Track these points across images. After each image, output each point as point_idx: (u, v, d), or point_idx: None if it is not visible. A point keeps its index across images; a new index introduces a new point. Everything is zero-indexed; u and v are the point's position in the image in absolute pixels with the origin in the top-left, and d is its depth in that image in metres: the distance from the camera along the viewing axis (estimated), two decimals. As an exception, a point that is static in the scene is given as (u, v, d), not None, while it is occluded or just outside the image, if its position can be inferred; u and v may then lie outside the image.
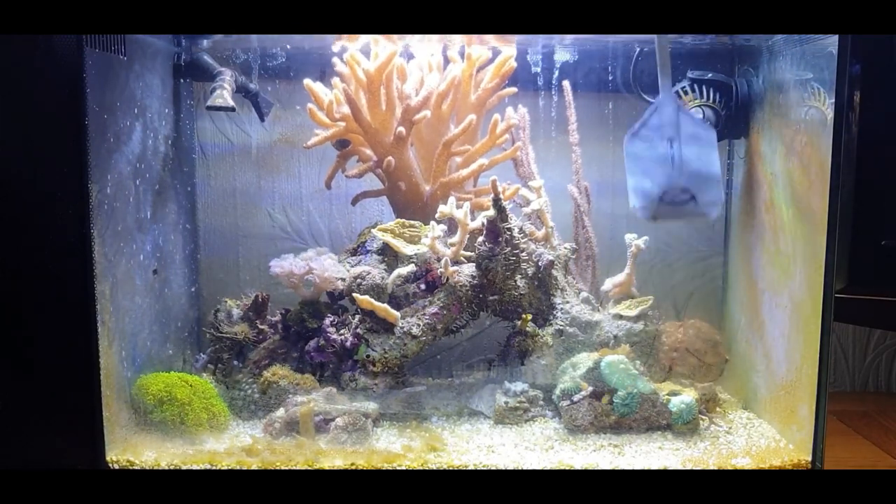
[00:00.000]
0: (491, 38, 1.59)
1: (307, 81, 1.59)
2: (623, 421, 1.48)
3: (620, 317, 1.56)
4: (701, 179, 1.26)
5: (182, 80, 1.67)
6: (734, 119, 1.61)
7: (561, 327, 1.56)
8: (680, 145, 1.28)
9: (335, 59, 1.62)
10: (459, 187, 1.67)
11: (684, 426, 1.47)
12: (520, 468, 1.32)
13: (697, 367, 1.59)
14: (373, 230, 1.61)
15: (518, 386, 1.54)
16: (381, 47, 1.56)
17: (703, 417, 1.50)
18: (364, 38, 1.57)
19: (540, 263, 1.57)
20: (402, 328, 1.52)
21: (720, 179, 1.27)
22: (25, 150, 1.21)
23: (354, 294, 1.53)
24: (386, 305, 1.53)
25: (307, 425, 1.41)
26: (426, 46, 1.62)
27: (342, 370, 1.53)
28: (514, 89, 1.67)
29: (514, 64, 1.63)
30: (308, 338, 1.58)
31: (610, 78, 1.72)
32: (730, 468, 1.33)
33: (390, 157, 1.60)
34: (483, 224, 1.54)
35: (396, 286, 1.59)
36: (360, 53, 1.57)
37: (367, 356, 1.51)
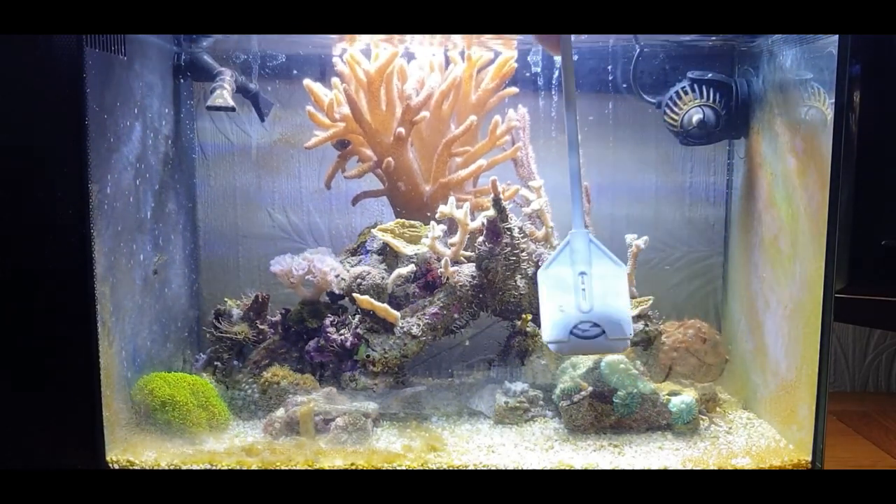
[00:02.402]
0: (492, 41, 1.59)
1: (307, 81, 1.59)
2: (623, 421, 1.48)
3: (620, 317, 1.55)
4: (611, 315, 1.29)
5: (182, 80, 1.67)
6: (734, 119, 1.62)
7: (561, 327, 1.55)
8: (591, 280, 1.31)
9: (335, 60, 1.62)
10: (459, 187, 1.67)
11: (684, 426, 1.47)
12: (520, 468, 1.32)
13: (697, 367, 1.59)
14: (373, 230, 1.61)
15: (518, 386, 1.54)
16: (381, 48, 1.56)
17: (703, 417, 1.50)
18: (365, 39, 1.57)
19: (540, 263, 1.57)
20: (402, 328, 1.52)
21: (629, 315, 1.31)
22: (25, 150, 1.21)
23: (354, 294, 1.53)
24: (386, 305, 1.53)
25: (307, 425, 1.41)
26: (427, 47, 1.62)
27: (342, 370, 1.53)
28: (514, 89, 1.67)
29: (515, 65, 1.64)
30: (308, 338, 1.58)
31: (610, 78, 1.72)
32: (730, 468, 1.33)
33: (390, 158, 1.60)
34: (483, 224, 1.54)
35: (396, 286, 1.59)
36: (361, 54, 1.58)
37: (367, 356, 1.51)
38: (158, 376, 1.47)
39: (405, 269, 1.58)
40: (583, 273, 1.32)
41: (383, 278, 1.58)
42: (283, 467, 1.31)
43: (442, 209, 1.53)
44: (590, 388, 1.48)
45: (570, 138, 1.36)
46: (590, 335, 1.29)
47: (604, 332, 1.29)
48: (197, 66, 1.63)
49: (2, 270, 1.23)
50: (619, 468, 1.32)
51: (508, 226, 1.53)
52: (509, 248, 1.54)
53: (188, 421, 1.42)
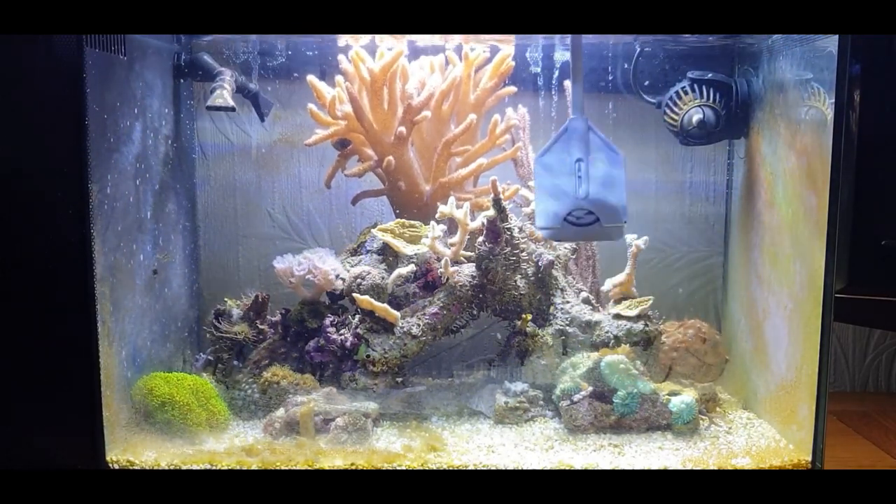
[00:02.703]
0: (489, 37, 1.59)
1: (311, 78, 1.59)
2: (623, 421, 1.48)
3: (620, 317, 1.56)
4: (606, 202, 1.28)
5: (182, 80, 1.67)
6: (734, 119, 1.62)
7: (561, 327, 1.56)
8: (587, 166, 1.29)
9: (340, 57, 1.62)
10: (459, 187, 1.67)
11: (684, 426, 1.47)
12: (520, 468, 1.32)
13: (697, 367, 1.59)
14: (373, 230, 1.61)
15: (518, 386, 1.54)
16: (385, 47, 1.56)
17: (703, 417, 1.51)
18: (368, 37, 1.57)
19: (540, 263, 1.57)
20: (402, 328, 1.52)
21: (625, 202, 1.28)
22: (26, 150, 1.21)
23: (354, 294, 1.53)
24: (386, 305, 1.53)
25: (307, 425, 1.41)
26: (427, 44, 1.62)
27: (342, 370, 1.53)
28: (513, 88, 1.67)
29: (513, 63, 1.63)
30: (308, 338, 1.58)
31: (610, 78, 1.72)
32: (730, 468, 1.33)
33: (390, 157, 1.60)
34: (483, 224, 1.54)
35: (396, 286, 1.59)
36: (365, 51, 1.57)
37: (367, 356, 1.51)
38: (158, 376, 1.47)
39: (405, 269, 1.58)
40: (580, 160, 1.29)
41: (383, 278, 1.58)
42: (283, 467, 1.31)
43: (442, 209, 1.53)
44: (590, 388, 1.48)
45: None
46: (584, 222, 1.27)
47: (598, 219, 1.27)
48: (197, 65, 1.63)
49: (2, 270, 1.23)
50: (619, 468, 1.32)
51: (508, 226, 1.53)
52: (509, 248, 1.54)
53: (188, 421, 1.42)
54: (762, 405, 1.57)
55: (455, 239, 1.55)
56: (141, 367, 1.47)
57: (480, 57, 1.63)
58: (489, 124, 1.64)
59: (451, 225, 1.58)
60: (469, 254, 1.58)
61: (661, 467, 1.32)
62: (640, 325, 1.54)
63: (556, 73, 1.69)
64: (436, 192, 1.65)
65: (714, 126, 1.59)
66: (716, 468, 1.33)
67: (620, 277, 1.60)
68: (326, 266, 1.57)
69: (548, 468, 1.32)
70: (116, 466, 1.31)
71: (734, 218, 1.78)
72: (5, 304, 1.24)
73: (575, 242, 1.69)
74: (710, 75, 1.61)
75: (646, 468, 1.32)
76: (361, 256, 1.65)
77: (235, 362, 1.58)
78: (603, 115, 1.77)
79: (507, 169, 1.70)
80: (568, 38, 1.52)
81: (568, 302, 1.59)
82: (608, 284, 1.62)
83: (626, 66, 1.67)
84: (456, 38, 1.60)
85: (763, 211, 1.57)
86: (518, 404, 1.52)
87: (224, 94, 1.53)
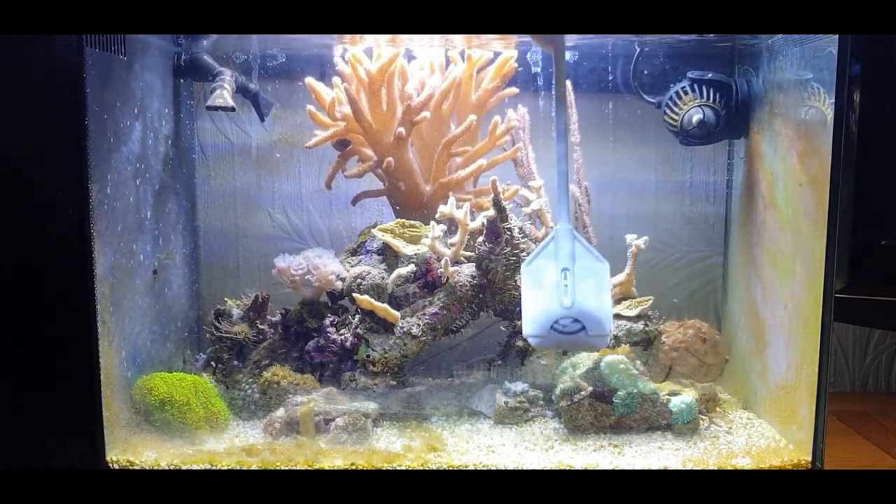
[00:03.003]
0: (492, 40, 1.59)
1: (309, 80, 1.59)
2: (623, 421, 1.48)
3: (620, 317, 1.56)
4: (591, 311, 1.31)
5: (182, 80, 1.67)
6: (734, 119, 1.62)
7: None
8: (573, 276, 1.33)
9: (337, 59, 1.62)
10: (459, 187, 1.67)
11: (684, 426, 1.47)
12: (520, 468, 1.32)
13: (697, 367, 1.59)
14: (373, 230, 1.61)
15: (518, 386, 1.54)
16: (383, 48, 1.56)
17: (703, 417, 1.51)
18: (367, 39, 1.57)
19: (540, 263, 1.57)
20: (402, 328, 1.52)
21: (610, 312, 1.33)
22: (25, 150, 1.21)
23: (354, 294, 1.53)
24: (386, 305, 1.53)
25: (307, 425, 1.41)
26: (427, 48, 1.62)
27: (342, 370, 1.53)
28: (514, 90, 1.67)
29: (515, 65, 1.64)
30: (308, 338, 1.58)
31: (610, 78, 1.72)
32: (730, 468, 1.33)
33: (390, 158, 1.60)
34: (483, 224, 1.54)
35: (396, 286, 1.59)
36: (363, 53, 1.58)
37: (367, 356, 1.51)
38: (158, 376, 1.47)
39: (405, 269, 1.58)
40: (566, 269, 1.33)
41: (383, 278, 1.58)
42: (283, 467, 1.31)
43: (442, 209, 1.53)
44: (590, 388, 1.48)
45: (559, 130, 1.37)
46: (570, 330, 1.31)
47: (584, 328, 1.30)
48: (197, 66, 1.63)
49: (2, 270, 1.23)
50: (619, 468, 1.32)
51: (508, 226, 1.53)
52: (509, 248, 1.54)
53: (188, 420, 1.42)
54: (762, 405, 1.57)
55: (455, 239, 1.55)
56: (141, 367, 1.47)
57: (483, 58, 1.63)
58: (489, 125, 1.64)
59: (451, 225, 1.58)
60: (469, 254, 1.58)
61: (661, 467, 1.32)
62: (640, 325, 1.54)
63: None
64: (436, 192, 1.65)
65: (714, 126, 1.59)
66: (716, 468, 1.33)
67: (620, 277, 1.60)
68: (326, 266, 1.57)
69: (548, 468, 1.32)
70: (116, 466, 1.31)
71: (734, 218, 1.78)
72: (5, 303, 1.24)
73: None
74: (710, 75, 1.61)
75: (646, 468, 1.32)
76: (361, 256, 1.65)
77: (235, 362, 1.58)
78: (603, 115, 1.78)
79: (507, 169, 1.70)
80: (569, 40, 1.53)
81: (568, 302, 1.59)
82: (608, 284, 1.62)
83: (626, 66, 1.68)
84: (457, 44, 1.60)
85: (763, 211, 1.57)
86: (518, 404, 1.52)
87: (224, 94, 1.53)
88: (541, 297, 1.33)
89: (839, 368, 1.99)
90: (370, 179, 1.70)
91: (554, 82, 1.40)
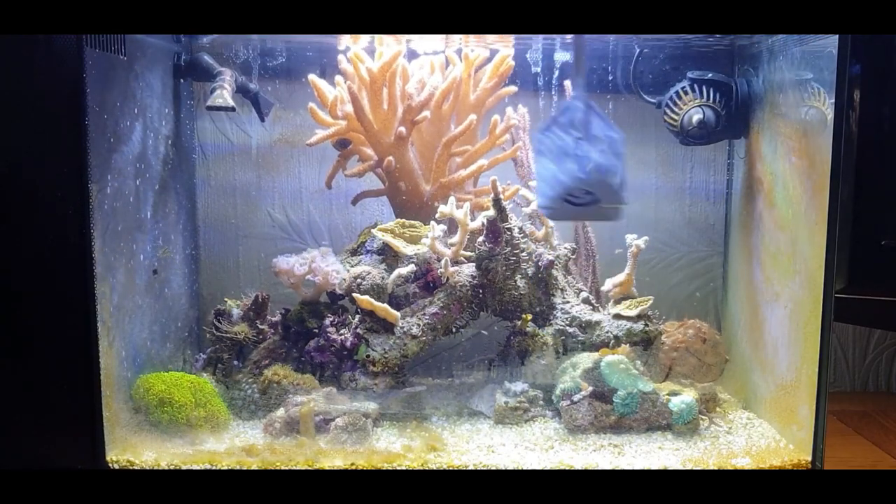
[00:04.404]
0: (489, 38, 1.59)
1: (311, 77, 1.59)
2: (623, 421, 1.48)
3: (620, 317, 1.56)
4: (606, 182, 1.25)
5: (182, 80, 1.67)
6: (734, 119, 1.61)
7: (561, 327, 1.56)
8: (588, 146, 1.26)
9: (340, 57, 1.62)
10: (459, 187, 1.67)
11: (684, 426, 1.47)
12: (520, 468, 1.32)
13: (697, 367, 1.59)
14: (373, 230, 1.61)
15: (518, 386, 1.54)
16: (385, 47, 1.56)
17: (703, 417, 1.50)
18: (367, 38, 1.57)
19: (540, 263, 1.57)
20: (402, 328, 1.52)
21: (625, 182, 1.26)
22: (25, 150, 1.21)
23: (354, 294, 1.53)
24: (386, 305, 1.53)
25: (307, 425, 1.41)
26: (428, 42, 1.62)
27: (342, 370, 1.53)
28: (513, 88, 1.67)
29: (512, 63, 1.64)
30: (308, 338, 1.58)
31: (610, 78, 1.72)
32: (730, 468, 1.33)
33: (391, 157, 1.60)
34: (483, 224, 1.54)
35: (396, 286, 1.59)
36: (364, 52, 1.57)
37: (367, 356, 1.51)
38: (158, 376, 1.47)
39: (405, 269, 1.58)
40: (580, 139, 1.27)
41: (383, 278, 1.58)
42: (283, 467, 1.31)
43: (442, 209, 1.53)
44: (590, 388, 1.48)
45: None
46: (583, 202, 1.25)
47: (598, 199, 1.25)
48: (197, 66, 1.63)
49: (2, 270, 1.23)
50: (619, 468, 1.32)
51: (508, 226, 1.53)
52: (509, 248, 1.54)
53: (188, 420, 1.42)
54: (762, 405, 1.57)
55: (455, 239, 1.55)
56: (141, 367, 1.47)
57: (480, 57, 1.63)
58: (489, 124, 1.64)
59: (451, 225, 1.58)
60: (469, 254, 1.58)
61: (661, 467, 1.32)
62: (640, 325, 1.54)
63: (556, 73, 1.69)
64: (436, 191, 1.65)
65: (714, 126, 1.59)
66: (716, 468, 1.33)
67: (620, 277, 1.60)
68: (326, 266, 1.57)
69: (548, 468, 1.32)
70: (116, 466, 1.31)
71: (734, 218, 1.78)
72: (5, 303, 1.23)
73: (575, 243, 1.70)
74: (710, 75, 1.61)
75: (646, 468, 1.32)
76: (361, 256, 1.65)
77: (235, 362, 1.58)
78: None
79: (507, 169, 1.70)
80: (568, 37, 1.51)
81: (568, 302, 1.59)
82: (608, 284, 1.63)
83: (626, 66, 1.68)
84: (456, 42, 1.60)
85: (763, 211, 1.57)
86: (518, 404, 1.52)
87: (224, 94, 1.53)
88: (554, 168, 1.26)
89: (839, 368, 1.99)
90: (370, 179, 1.70)
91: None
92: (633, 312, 1.55)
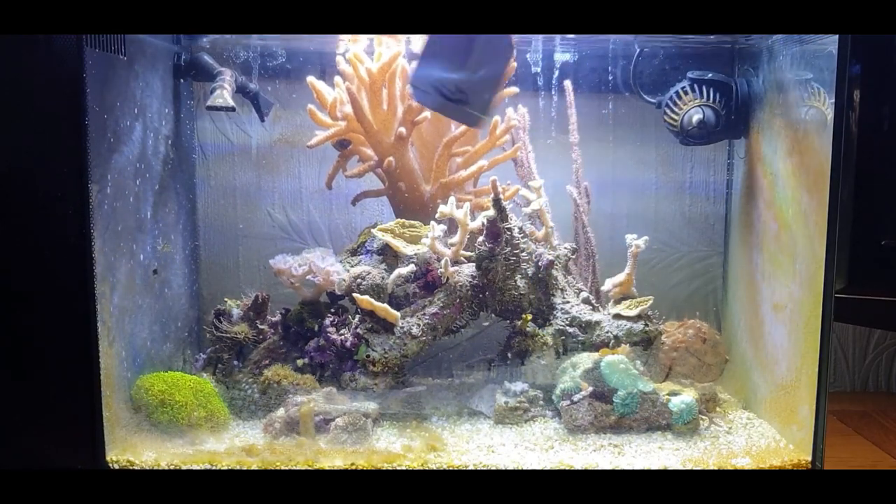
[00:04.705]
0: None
1: (310, 79, 1.59)
2: (623, 421, 1.48)
3: (620, 317, 1.56)
4: (481, 92, 1.26)
5: (182, 80, 1.67)
6: (734, 119, 1.62)
7: (561, 327, 1.56)
8: (484, 58, 1.26)
9: (339, 58, 1.62)
10: (460, 187, 1.67)
11: (684, 426, 1.47)
12: (520, 468, 1.32)
13: (697, 367, 1.59)
14: (373, 230, 1.61)
15: (518, 386, 1.54)
16: (384, 47, 1.56)
17: (703, 417, 1.50)
18: (367, 39, 1.57)
19: (540, 263, 1.57)
20: (402, 328, 1.52)
21: (495, 103, 1.29)
22: (25, 150, 1.21)
23: (354, 294, 1.53)
24: (386, 305, 1.53)
25: (307, 425, 1.41)
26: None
27: (342, 370, 1.53)
28: (515, 89, 1.67)
29: (514, 64, 1.63)
30: (308, 338, 1.58)
31: (610, 78, 1.72)
32: (730, 468, 1.33)
33: (391, 158, 1.60)
34: (483, 224, 1.54)
35: (396, 286, 1.59)
36: (364, 53, 1.57)
37: (367, 356, 1.51)
38: (158, 376, 1.47)
39: (405, 269, 1.58)
40: (474, 40, 1.26)
41: (383, 278, 1.58)
42: (283, 467, 1.31)
43: (442, 209, 1.53)
44: (590, 388, 1.48)
45: None
46: (453, 98, 1.26)
47: (467, 101, 1.26)
48: (197, 66, 1.63)
49: (2, 270, 1.23)
50: (619, 468, 1.32)
51: (508, 226, 1.53)
52: (509, 248, 1.54)
53: (188, 420, 1.42)
54: (762, 405, 1.57)
55: (455, 239, 1.55)
56: (141, 367, 1.47)
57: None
58: (489, 124, 1.64)
59: (451, 225, 1.58)
60: (469, 254, 1.58)
61: (661, 467, 1.32)
62: (640, 325, 1.54)
63: (556, 73, 1.69)
64: (436, 192, 1.66)
65: (714, 126, 1.59)
66: (716, 468, 1.33)
67: (620, 277, 1.60)
68: (326, 266, 1.57)
69: (548, 468, 1.32)
70: (116, 466, 1.31)
71: (734, 218, 1.78)
72: (5, 303, 1.24)
73: (575, 242, 1.70)
74: (710, 75, 1.61)
75: (646, 468, 1.32)
76: (361, 256, 1.65)
77: (235, 362, 1.58)
78: (603, 115, 1.78)
79: (507, 169, 1.70)
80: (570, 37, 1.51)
81: (568, 302, 1.59)
82: (608, 284, 1.63)
83: (626, 66, 1.68)
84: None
85: (763, 211, 1.57)
86: (518, 404, 1.52)
87: (224, 94, 1.53)
88: (445, 56, 1.26)
89: (839, 368, 1.99)
90: (370, 179, 1.70)
91: None
92: (633, 312, 1.55)
